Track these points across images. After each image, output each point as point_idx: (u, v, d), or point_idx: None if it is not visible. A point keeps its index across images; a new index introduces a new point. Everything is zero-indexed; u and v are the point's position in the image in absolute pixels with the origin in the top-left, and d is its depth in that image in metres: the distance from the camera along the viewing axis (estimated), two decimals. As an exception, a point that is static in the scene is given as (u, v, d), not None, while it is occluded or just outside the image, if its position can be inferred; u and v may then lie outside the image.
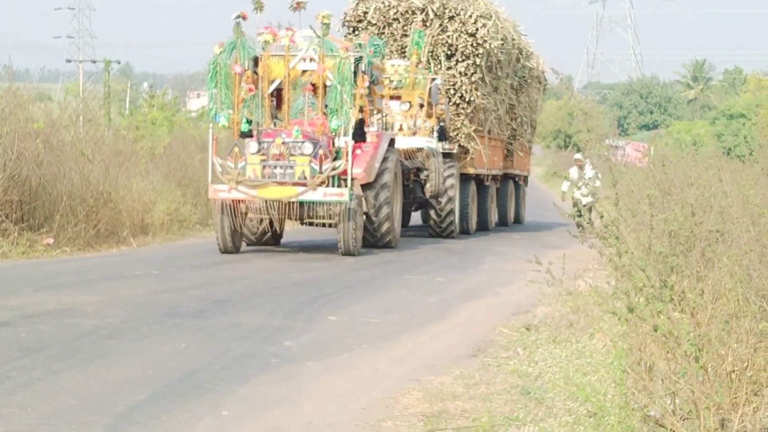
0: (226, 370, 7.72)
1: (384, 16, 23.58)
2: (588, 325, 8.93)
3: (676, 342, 5.85)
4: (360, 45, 17.66)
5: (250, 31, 16.67)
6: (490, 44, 23.30)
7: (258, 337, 9.08)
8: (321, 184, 16.10)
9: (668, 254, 6.52)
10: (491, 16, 23.67)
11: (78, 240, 16.00)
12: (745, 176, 9.83)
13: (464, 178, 23.46)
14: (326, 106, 16.70)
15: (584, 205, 20.27)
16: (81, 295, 10.98)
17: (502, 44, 24.09)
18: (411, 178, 20.87)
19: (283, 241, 18.15)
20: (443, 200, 21.56)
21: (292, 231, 19.50)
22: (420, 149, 21.00)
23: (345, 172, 16.37)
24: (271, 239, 17.92)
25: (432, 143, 21.15)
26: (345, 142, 16.47)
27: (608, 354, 7.44)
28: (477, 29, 23.15)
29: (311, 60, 16.62)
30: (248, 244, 17.45)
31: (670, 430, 5.80)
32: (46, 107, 19.45)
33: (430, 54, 23.01)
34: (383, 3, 23.75)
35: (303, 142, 16.31)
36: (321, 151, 16.21)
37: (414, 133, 21.34)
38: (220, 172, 16.23)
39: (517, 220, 29.21)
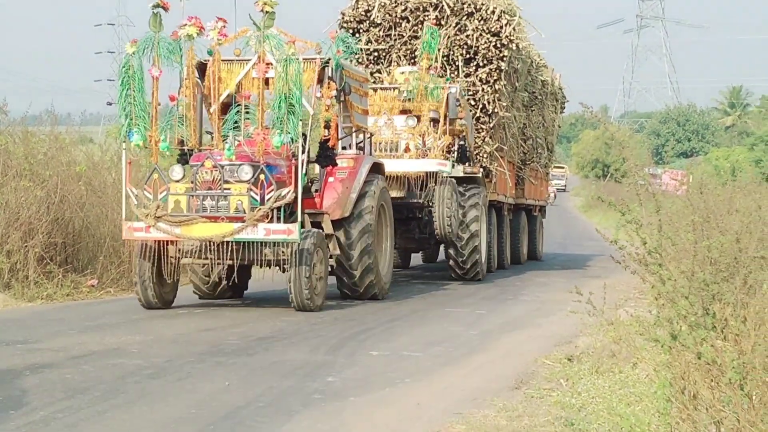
0: (270, 407, 7.75)
1: (390, 15, 20.28)
2: (630, 355, 8.89)
3: (720, 370, 5.82)
4: (339, 45, 14.07)
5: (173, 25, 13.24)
6: (517, 45, 20.07)
7: (301, 373, 9.11)
8: (263, 218, 12.76)
9: (711, 281, 6.49)
10: (515, 13, 20.30)
11: (121, 281, 16.13)
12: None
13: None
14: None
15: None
16: (125, 336, 11.08)
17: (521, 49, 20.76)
18: (425, 210, 17.79)
19: (248, 292, 15.36)
20: (465, 237, 18.22)
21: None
22: (433, 175, 17.54)
23: (310, 203, 13.34)
24: (228, 291, 14.58)
25: (446, 167, 17.67)
26: (293, 162, 13.15)
27: (652, 383, 7.41)
28: (501, 27, 19.77)
29: (268, 65, 12.99)
30: (201, 298, 14.62)
31: (717, 458, 5.77)
32: (88, 150, 19.65)
33: (445, 58, 19.78)
34: None
35: (240, 165, 12.98)
36: (262, 177, 12.82)
37: (424, 155, 17.86)
38: (136, 205, 13.03)
39: (533, 256, 25.61)
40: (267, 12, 12.90)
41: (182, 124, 13.40)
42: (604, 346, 9.80)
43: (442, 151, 17.96)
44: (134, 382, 8.53)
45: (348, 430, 7.16)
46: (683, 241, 7.51)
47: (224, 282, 14.02)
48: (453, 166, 18.32)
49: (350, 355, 10.16)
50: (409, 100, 18.29)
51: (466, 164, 18.98)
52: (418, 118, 18.17)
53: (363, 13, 20.54)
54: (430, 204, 17.58)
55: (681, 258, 7.24)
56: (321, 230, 13.61)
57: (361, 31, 20.47)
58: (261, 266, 13.69)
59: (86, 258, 16.18)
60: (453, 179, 17.96)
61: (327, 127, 13.96)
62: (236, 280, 14.13)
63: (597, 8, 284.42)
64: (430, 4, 20.13)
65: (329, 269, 13.93)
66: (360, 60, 20.38)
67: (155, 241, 13.05)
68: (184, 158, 13.67)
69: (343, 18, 20.66)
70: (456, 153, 18.67)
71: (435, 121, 18.15)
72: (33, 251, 14.97)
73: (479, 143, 20.12)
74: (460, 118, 18.49)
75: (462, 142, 18.97)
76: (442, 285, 18.14)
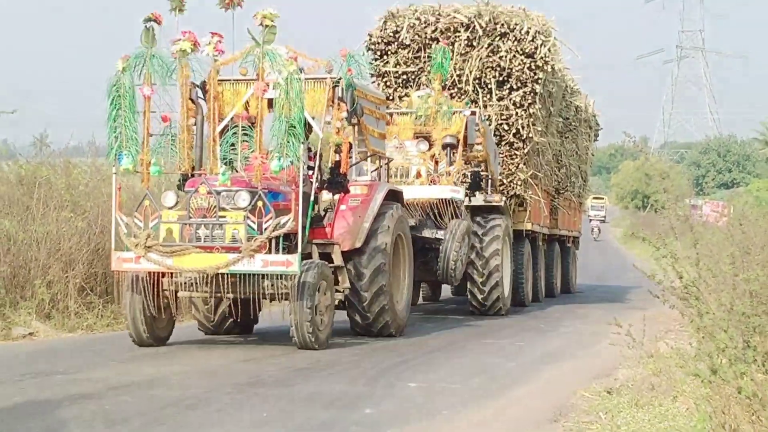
0: (308, 438, 7.75)
1: (419, 36, 19.48)
2: (670, 388, 8.82)
3: (760, 404, 5.78)
4: (350, 63, 12.86)
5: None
6: (552, 67, 19.33)
7: (339, 404, 9.11)
8: (261, 249, 11.74)
9: (750, 314, 6.44)
10: (550, 34, 19.43)
11: (160, 311, 16.18)
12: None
13: (517, 237, 19.17)
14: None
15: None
16: (164, 366, 11.12)
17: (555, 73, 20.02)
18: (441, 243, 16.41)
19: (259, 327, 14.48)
20: (486, 272, 17.39)
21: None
22: (449, 202, 16.41)
23: (321, 233, 12.78)
24: (236, 327, 13.83)
25: (458, 193, 16.58)
26: (293, 189, 12.23)
27: (691, 417, 7.35)
28: (536, 48, 18.96)
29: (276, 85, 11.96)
30: (206, 334, 13.92)
31: (757, 493, 5.71)
32: (128, 181, 19.80)
33: (477, 81, 19.14)
34: (418, 19, 19.51)
35: (237, 192, 12.04)
36: (261, 204, 11.85)
37: (434, 181, 16.75)
38: (125, 234, 12.11)
39: (566, 289, 24.94)
40: (267, 26, 11.85)
41: (175, 148, 12.47)
42: (644, 378, 9.72)
43: (456, 178, 17.00)
44: (173, 413, 8.56)
45: (386, 462, 7.15)
46: (723, 273, 7.46)
47: (230, 317, 13.42)
48: (467, 193, 17.40)
49: (388, 386, 10.14)
50: (424, 124, 17.32)
51: (481, 193, 18.01)
52: (431, 142, 17.26)
53: (391, 34, 19.74)
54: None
55: (720, 290, 7.19)
56: (329, 262, 12.77)
57: (389, 53, 19.79)
58: (266, 300, 12.87)
59: (126, 289, 16.28)
60: (468, 220, 17.01)
61: (338, 151, 12.92)
62: (244, 315, 13.22)
63: (636, 39, 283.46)
64: (462, 24, 19.37)
65: (339, 303, 13.06)
66: (388, 83, 20.00)
67: (147, 272, 12.13)
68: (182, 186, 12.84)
69: (370, 39, 19.90)
70: (469, 181, 17.66)
71: (452, 147, 17.14)
72: (74, 282, 15.11)
73: (513, 170, 19.37)
74: (479, 144, 17.52)
75: (477, 169, 18.00)
76: (478, 317, 18.06)
